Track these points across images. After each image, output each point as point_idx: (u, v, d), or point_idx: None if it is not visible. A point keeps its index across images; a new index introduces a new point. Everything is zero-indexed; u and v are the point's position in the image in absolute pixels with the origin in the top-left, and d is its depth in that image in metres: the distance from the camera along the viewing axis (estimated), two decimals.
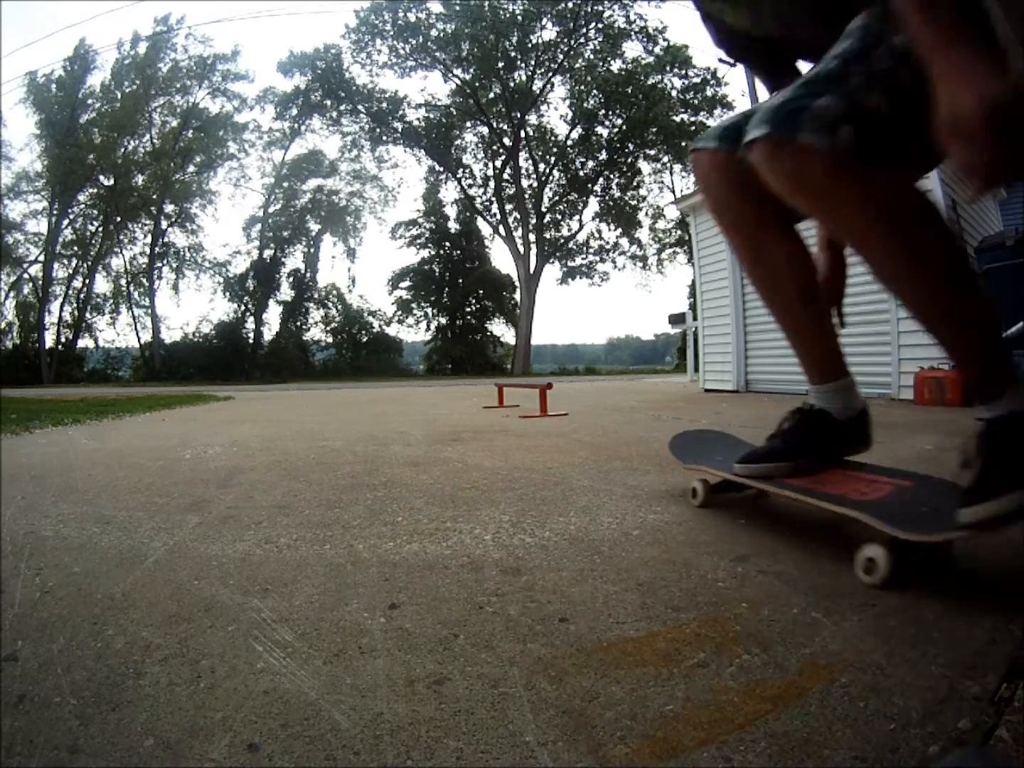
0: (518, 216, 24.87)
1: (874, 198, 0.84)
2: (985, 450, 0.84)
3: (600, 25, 21.33)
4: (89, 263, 23.14)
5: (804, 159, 0.82)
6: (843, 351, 1.18)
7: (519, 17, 21.25)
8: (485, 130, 24.02)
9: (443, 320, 26.36)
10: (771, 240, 1.09)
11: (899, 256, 0.88)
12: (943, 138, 0.70)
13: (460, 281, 25.80)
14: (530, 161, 24.51)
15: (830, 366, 1.17)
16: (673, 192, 23.81)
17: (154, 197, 22.37)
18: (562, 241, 25.56)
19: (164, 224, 23.53)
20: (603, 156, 23.99)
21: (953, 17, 0.69)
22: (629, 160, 24.06)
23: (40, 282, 22.32)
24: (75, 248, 23.02)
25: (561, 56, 22.09)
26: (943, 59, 0.69)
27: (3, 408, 5.10)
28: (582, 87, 22.49)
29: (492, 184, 25.13)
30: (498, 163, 24.81)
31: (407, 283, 26.22)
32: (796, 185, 0.87)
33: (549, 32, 21.80)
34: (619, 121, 22.86)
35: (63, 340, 22.86)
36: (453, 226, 26.57)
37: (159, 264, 23.59)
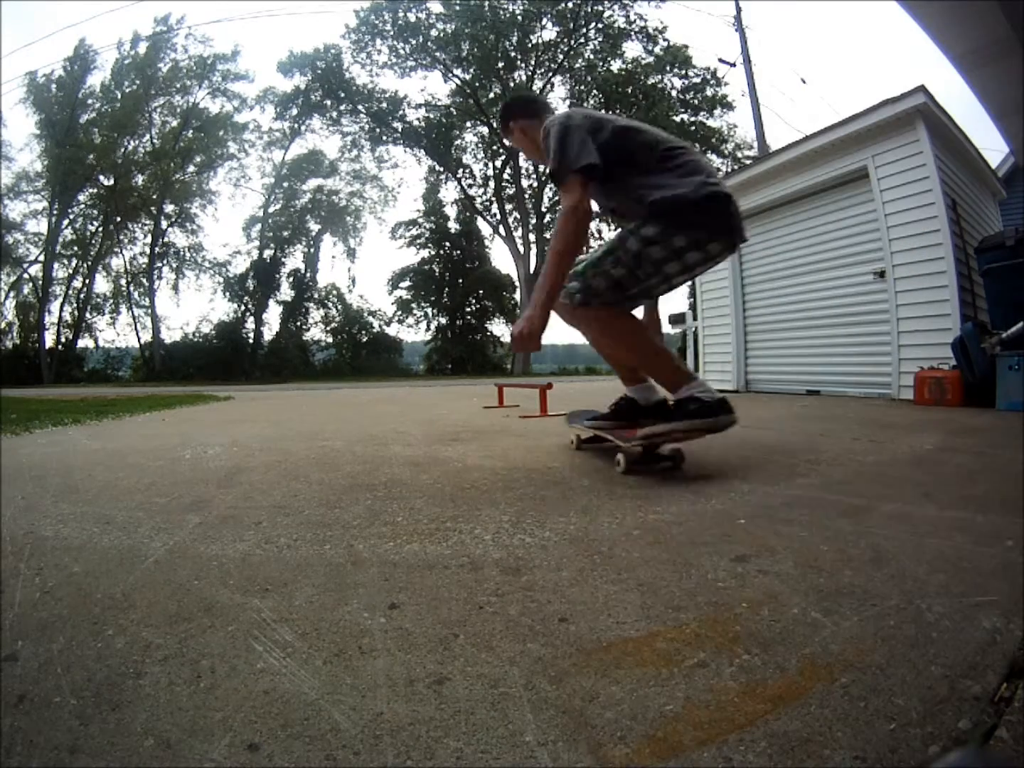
0: (518, 216, 24.86)
1: (593, 321, 1.87)
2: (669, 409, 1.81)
3: (600, 25, 21.33)
4: (89, 263, 23.14)
5: (560, 308, 1.84)
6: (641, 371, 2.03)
7: (519, 17, 21.24)
8: (485, 130, 24.01)
9: (443, 320, 26.35)
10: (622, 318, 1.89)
11: (619, 350, 1.98)
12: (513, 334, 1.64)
13: (460, 281, 25.78)
14: (530, 161, 24.50)
15: (633, 376, 2.06)
16: None
17: (154, 197, 22.36)
18: None
19: (164, 224, 23.53)
20: None
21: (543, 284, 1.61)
22: None
23: (40, 282, 22.30)
24: (75, 248, 23.01)
25: (561, 56, 22.09)
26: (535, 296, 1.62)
27: (3, 408, 5.10)
28: (582, 87, 22.50)
29: (492, 184, 25.13)
30: (498, 163, 24.82)
31: (407, 283, 26.21)
32: (566, 320, 1.92)
33: (549, 32, 21.82)
34: None
35: (63, 340, 22.86)
36: (453, 226, 26.57)
37: (159, 264, 23.58)
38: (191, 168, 23.19)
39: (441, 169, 25.20)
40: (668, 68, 21.67)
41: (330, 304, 25.87)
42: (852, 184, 4.84)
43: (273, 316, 26.05)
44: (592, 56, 22.01)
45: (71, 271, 23.21)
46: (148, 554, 1.10)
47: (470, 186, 25.55)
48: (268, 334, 24.77)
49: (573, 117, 1.73)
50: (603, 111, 1.98)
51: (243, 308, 24.26)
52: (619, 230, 1.80)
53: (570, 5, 20.87)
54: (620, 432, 1.90)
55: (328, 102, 22.99)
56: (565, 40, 21.77)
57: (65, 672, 0.68)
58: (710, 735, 0.54)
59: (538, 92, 22.40)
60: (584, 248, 1.75)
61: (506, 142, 2.41)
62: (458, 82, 22.84)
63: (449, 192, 26.65)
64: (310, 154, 24.50)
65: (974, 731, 0.53)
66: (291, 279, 25.18)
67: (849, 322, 4.93)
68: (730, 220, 1.71)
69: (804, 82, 27.74)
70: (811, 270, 5.30)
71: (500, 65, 21.81)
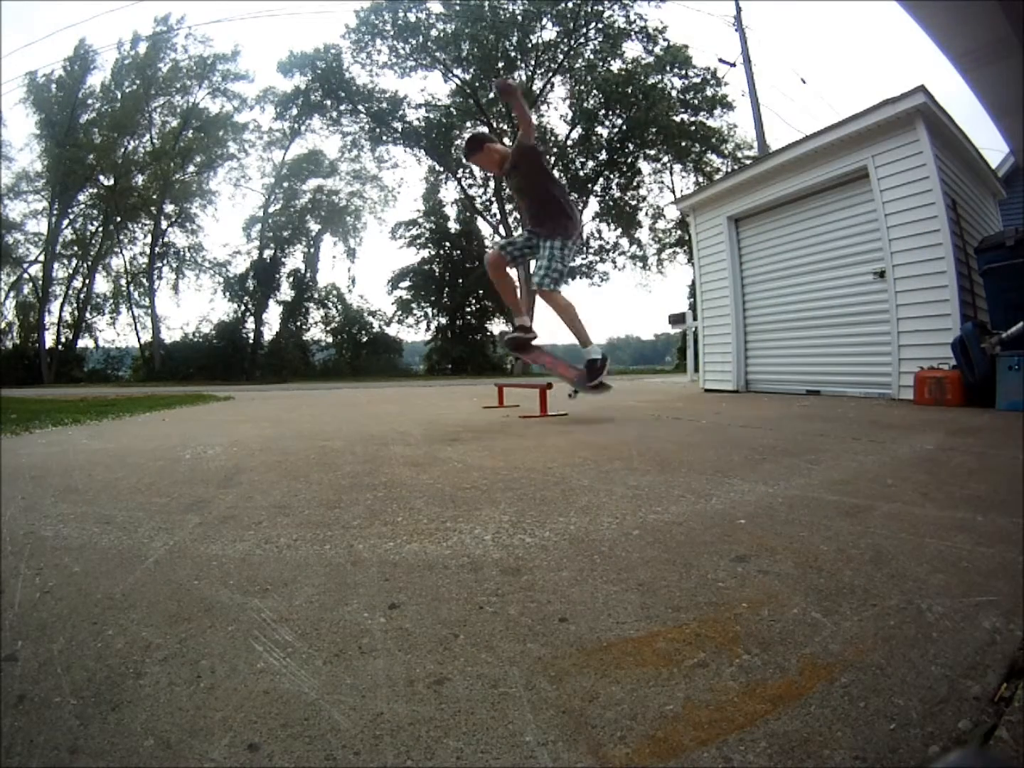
0: (518, 216, 24.84)
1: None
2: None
3: (600, 25, 21.30)
4: (89, 263, 23.12)
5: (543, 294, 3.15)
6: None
7: (519, 17, 21.22)
8: (485, 130, 24.02)
9: (443, 320, 26.34)
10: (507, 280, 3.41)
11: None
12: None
13: (460, 281, 25.77)
14: None
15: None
16: (673, 192, 23.78)
17: (154, 197, 22.33)
18: None
19: (164, 224, 23.50)
20: (603, 156, 23.96)
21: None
22: (629, 160, 24.03)
23: (40, 282, 22.28)
24: (75, 248, 22.99)
25: (561, 56, 22.06)
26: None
27: (3, 408, 5.10)
28: (582, 87, 22.47)
29: (492, 184, 25.12)
30: None
31: (407, 283, 26.21)
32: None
33: (549, 32, 21.78)
34: (619, 121, 22.83)
35: (63, 340, 22.85)
36: (453, 226, 26.57)
37: (159, 264, 23.55)
38: (191, 168, 23.18)
39: (441, 169, 25.19)
40: (668, 68, 21.65)
41: (330, 304, 25.87)
42: (852, 184, 4.84)
43: (273, 316, 26.05)
44: (592, 56, 21.98)
45: (71, 271, 23.21)
46: (148, 554, 1.10)
47: (470, 186, 25.55)
48: (268, 334, 24.78)
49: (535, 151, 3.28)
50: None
51: (243, 308, 24.25)
52: None
53: (570, 5, 20.85)
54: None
55: (328, 102, 22.97)
56: (565, 40, 21.75)
57: (65, 672, 0.68)
58: (710, 735, 0.54)
59: (538, 91, 22.42)
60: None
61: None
62: (458, 82, 22.83)
63: (449, 192, 26.67)
64: (310, 154, 24.49)
65: (974, 731, 0.53)
66: (291, 279, 25.18)
67: (849, 322, 4.93)
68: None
69: (804, 82, 27.68)
70: (811, 270, 5.30)
71: (500, 65, 21.79)
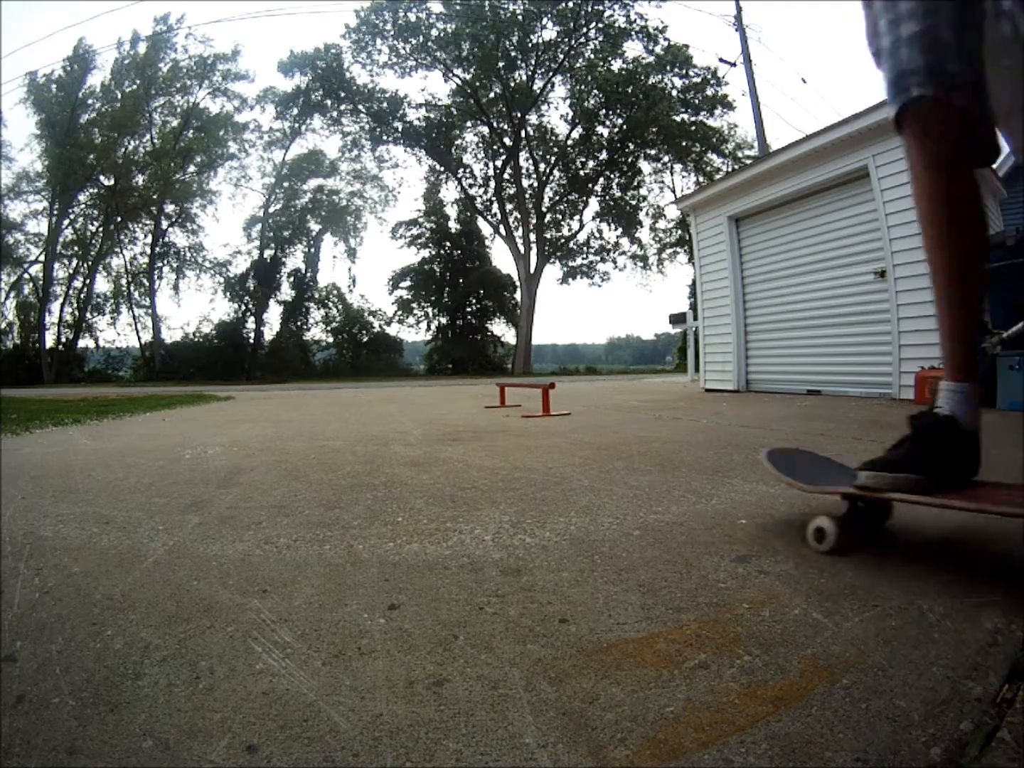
0: (518, 216, 24.85)
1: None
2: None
3: (600, 25, 21.31)
4: (89, 263, 23.14)
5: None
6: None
7: (519, 17, 21.22)
8: (485, 130, 24.01)
9: (444, 320, 26.36)
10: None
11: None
12: None
13: (460, 281, 25.79)
14: (530, 161, 24.50)
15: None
16: (673, 192, 23.81)
17: (154, 197, 22.34)
18: (562, 241, 25.55)
19: (164, 224, 23.54)
20: (603, 156, 23.98)
21: None
22: (629, 160, 24.05)
23: (40, 282, 22.31)
24: (75, 248, 23.02)
25: (561, 56, 22.07)
26: None
27: (3, 408, 5.10)
28: (582, 87, 22.47)
29: (492, 184, 25.12)
30: (498, 163, 24.79)
31: (407, 283, 26.23)
32: None
33: (549, 32, 21.79)
34: (619, 121, 22.84)
35: (63, 340, 22.88)
36: (453, 226, 26.58)
37: (159, 264, 23.60)
38: (191, 168, 23.19)
39: (441, 169, 25.21)
40: (668, 68, 21.66)
41: (330, 304, 25.90)
42: (852, 184, 4.84)
43: (273, 316, 26.08)
44: (592, 56, 21.99)
45: (71, 271, 23.24)
46: (148, 554, 1.10)
47: (471, 186, 25.57)
48: (268, 334, 24.81)
49: None
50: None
51: (243, 308, 24.29)
52: None
53: (570, 5, 20.86)
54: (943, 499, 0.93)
55: (328, 102, 22.99)
56: (565, 40, 21.76)
57: (64, 673, 0.67)
58: (711, 737, 0.54)
59: (539, 91, 22.43)
60: None
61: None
62: (458, 82, 22.84)
63: (449, 192, 26.68)
64: (310, 154, 24.51)
65: (976, 733, 0.53)
66: (291, 279, 25.21)
67: (850, 322, 4.93)
68: None
69: (804, 82, 27.75)
70: (812, 270, 5.30)
71: (500, 65, 21.79)
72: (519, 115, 22.77)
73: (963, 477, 1.02)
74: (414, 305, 26.37)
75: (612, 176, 24.47)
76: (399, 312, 26.25)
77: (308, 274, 25.47)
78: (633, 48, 21.90)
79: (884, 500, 1.02)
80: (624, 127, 22.71)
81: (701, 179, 22.36)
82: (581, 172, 24.32)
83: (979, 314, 1.12)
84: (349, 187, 25.50)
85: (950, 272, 1.02)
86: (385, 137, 23.91)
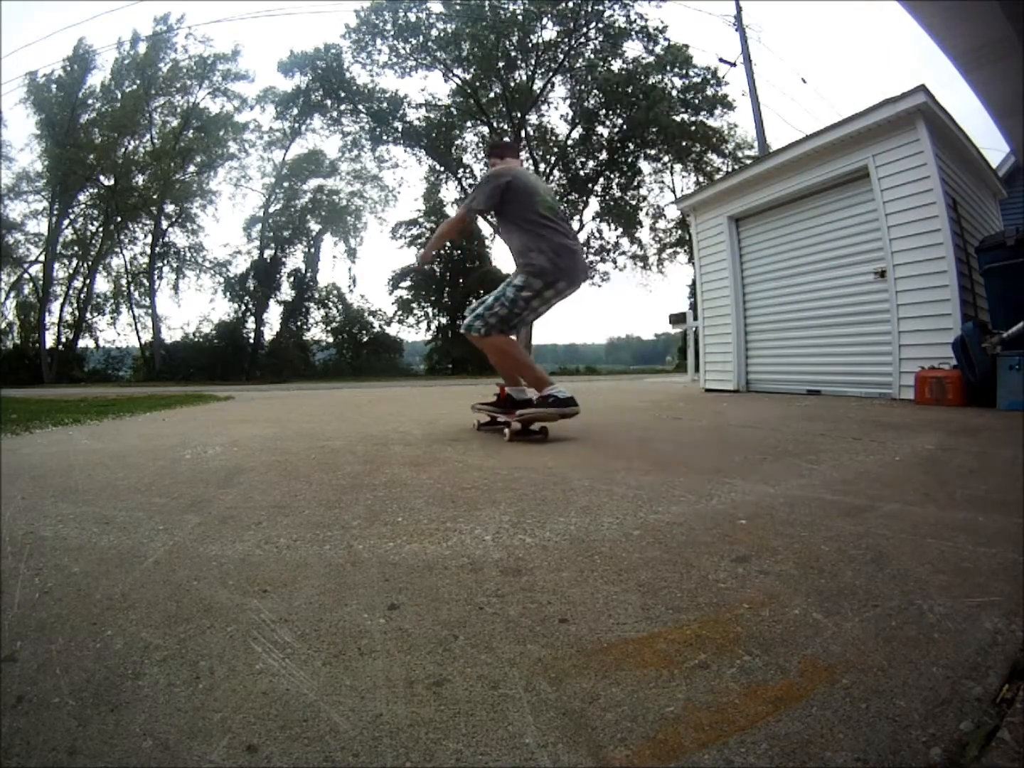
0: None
1: (490, 345, 2.71)
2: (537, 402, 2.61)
3: (600, 25, 21.28)
4: (89, 263, 23.11)
5: (471, 337, 2.75)
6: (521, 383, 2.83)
7: (519, 17, 21.20)
8: (485, 130, 23.99)
9: (443, 320, 26.33)
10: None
11: (507, 363, 2.75)
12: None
13: (460, 281, 25.77)
14: (530, 161, 24.48)
15: (513, 380, 2.79)
16: (673, 192, 23.78)
17: (154, 197, 22.31)
18: None
19: (164, 224, 23.50)
20: (603, 156, 23.95)
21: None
22: (629, 160, 24.02)
23: (40, 282, 22.28)
24: (75, 248, 22.99)
25: (561, 56, 22.03)
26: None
27: (3, 408, 5.10)
28: (582, 87, 22.44)
29: None
30: None
31: (407, 283, 26.22)
32: (476, 344, 2.80)
33: (549, 32, 21.74)
34: (619, 121, 22.80)
35: (63, 340, 22.84)
36: None
37: (159, 264, 23.54)
38: (191, 168, 23.17)
39: (441, 169, 25.19)
40: (668, 68, 21.63)
41: (330, 304, 25.87)
42: (852, 184, 4.84)
43: (273, 316, 26.03)
44: (592, 56, 21.95)
45: (71, 271, 23.21)
46: (148, 554, 1.10)
47: (471, 186, 25.54)
48: (268, 334, 24.77)
49: (501, 175, 2.62)
50: (530, 173, 2.76)
51: (243, 308, 24.25)
52: (503, 282, 2.76)
53: (570, 5, 20.84)
54: (505, 415, 2.69)
55: (328, 102, 22.96)
56: (565, 40, 21.73)
57: (64, 673, 0.67)
58: (711, 737, 0.54)
59: (539, 91, 22.40)
60: (452, 241, 3.76)
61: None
62: (458, 82, 22.81)
63: (450, 192, 26.65)
64: (310, 154, 24.49)
65: (976, 733, 0.53)
66: (291, 279, 25.17)
67: (849, 322, 4.92)
68: (576, 269, 2.68)
69: (804, 82, 27.75)
70: (811, 270, 5.29)
71: (500, 65, 21.76)
72: (519, 115, 22.75)
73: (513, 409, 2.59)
74: (414, 305, 26.36)
75: (612, 176, 24.44)
76: (399, 312, 26.26)
77: (308, 274, 25.45)
78: (633, 48, 21.88)
79: (528, 420, 2.56)
80: (624, 127, 22.69)
81: (701, 179, 22.35)
82: (581, 172, 24.29)
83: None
84: (349, 187, 25.49)
85: None
86: (385, 137, 23.88)
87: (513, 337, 2.78)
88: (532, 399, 2.69)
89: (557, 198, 2.91)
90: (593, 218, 25.33)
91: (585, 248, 25.94)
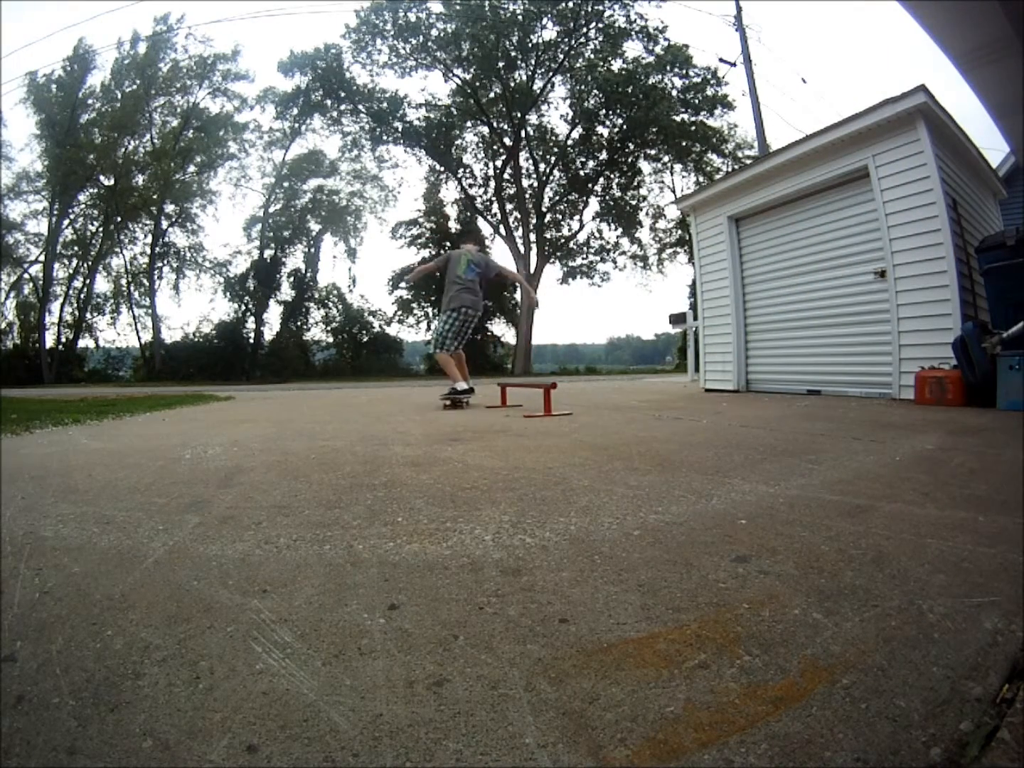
0: (518, 216, 24.81)
1: (444, 358, 5.02)
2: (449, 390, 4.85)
3: (600, 25, 21.28)
4: (89, 263, 23.10)
5: (435, 355, 5.32)
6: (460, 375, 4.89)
7: (519, 17, 21.20)
8: (485, 130, 23.99)
9: None
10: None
11: (453, 370, 4.90)
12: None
13: None
14: (530, 161, 24.48)
15: (462, 376, 4.96)
16: (673, 192, 23.78)
17: (154, 197, 22.30)
18: (562, 241, 25.52)
19: (164, 224, 23.49)
20: (603, 156, 23.95)
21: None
22: (629, 160, 24.02)
23: (40, 282, 22.27)
24: (75, 248, 22.98)
25: (561, 56, 22.04)
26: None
27: (3, 408, 5.10)
28: (582, 87, 22.44)
29: (492, 184, 25.09)
30: (498, 163, 24.76)
31: (405, 284, 26.21)
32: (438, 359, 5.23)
33: (549, 32, 21.75)
34: (619, 121, 22.80)
35: (63, 340, 22.83)
36: (453, 226, 26.54)
37: (159, 264, 23.54)
38: (191, 168, 23.16)
39: (441, 169, 25.18)
40: (668, 68, 21.63)
41: (330, 304, 25.86)
42: (852, 184, 4.84)
43: (273, 316, 26.02)
44: (592, 56, 21.95)
45: (71, 271, 23.20)
46: (148, 554, 1.10)
47: (470, 186, 25.53)
48: (268, 334, 24.76)
49: (450, 255, 5.14)
50: (463, 252, 5.26)
51: (243, 308, 24.24)
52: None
53: (570, 5, 20.84)
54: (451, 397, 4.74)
55: (328, 102, 22.96)
56: (565, 40, 21.73)
57: (64, 673, 0.67)
58: (711, 737, 0.54)
59: (539, 91, 22.41)
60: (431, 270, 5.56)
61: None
62: (458, 82, 22.81)
63: (449, 192, 26.65)
64: (310, 154, 24.47)
65: (976, 733, 0.53)
66: (291, 279, 25.16)
67: (849, 322, 4.92)
68: (478, 303, 5.04)
69: (804, 81, 27.73)
70: (811, 270, 5.29)
71: (501, 65, 21.76)
72: (519, 115, 22.75)
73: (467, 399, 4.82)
74: (414, 305, 26.36)
75: (612, 176, 24.44)
76: (399, 312, 26.25)
77: (308, 274, 25.44)
78: (633, 48, 21.87)
79: (455, 399, 4.74)
80: (624, 127, 22.69)
81: (701, 179, 22.34)
82: (581, 172, 24.30)
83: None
84: (349, 187, 25.47)
85: None
86: (385, 137, 23.87)
87: (448, 353, 4.90)
88: (457, 387, 4.74)
89: (472, 263, 4.99)
90: (593, 218, 25.33)
91: (585, 248, 25.98)
